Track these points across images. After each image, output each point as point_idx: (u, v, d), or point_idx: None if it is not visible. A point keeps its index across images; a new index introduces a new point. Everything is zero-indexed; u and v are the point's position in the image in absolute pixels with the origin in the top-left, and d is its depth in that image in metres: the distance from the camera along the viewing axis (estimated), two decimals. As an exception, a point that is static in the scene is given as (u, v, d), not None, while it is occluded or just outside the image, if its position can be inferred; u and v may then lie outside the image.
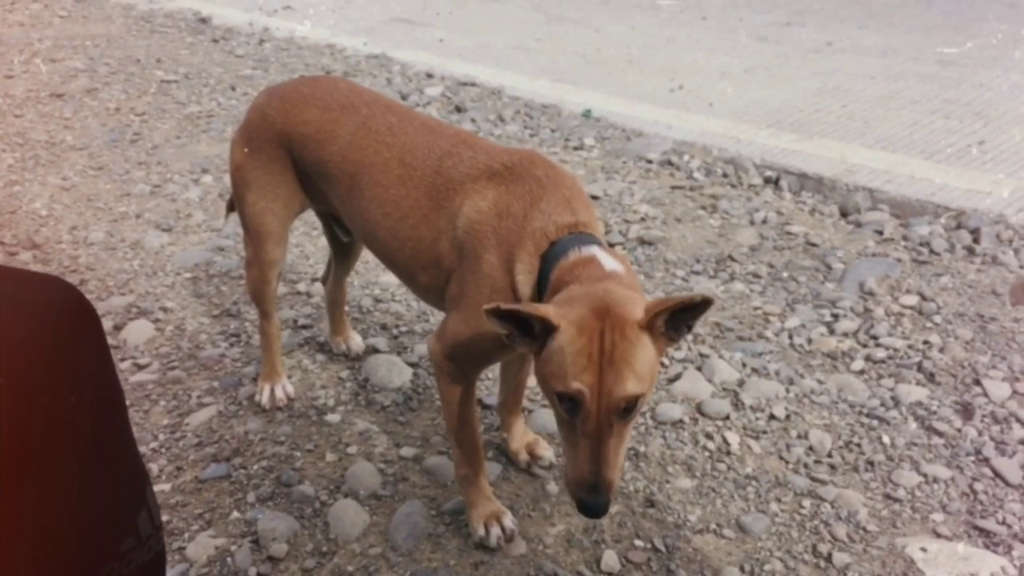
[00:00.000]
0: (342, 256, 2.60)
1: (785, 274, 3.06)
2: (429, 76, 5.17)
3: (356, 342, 2.73)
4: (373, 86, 5.00)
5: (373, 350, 2.73)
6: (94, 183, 3.92)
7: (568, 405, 1.48)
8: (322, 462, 2.29)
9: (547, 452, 2.28)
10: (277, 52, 5.65)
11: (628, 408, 1.48)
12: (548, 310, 1.48)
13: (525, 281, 1.71)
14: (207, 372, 2.64)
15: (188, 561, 2.02)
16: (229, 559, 2.03)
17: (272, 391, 2.50)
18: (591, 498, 1.47)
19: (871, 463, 2.24)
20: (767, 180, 3.82)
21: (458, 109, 4.66)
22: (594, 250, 1.66)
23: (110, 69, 5.38)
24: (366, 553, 2.02)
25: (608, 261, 1.63)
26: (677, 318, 1.50)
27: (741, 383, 2.52)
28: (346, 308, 2.83)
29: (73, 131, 4.48)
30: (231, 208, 2.51)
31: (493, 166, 1.83)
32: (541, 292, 1.69)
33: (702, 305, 1.47)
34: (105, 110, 4.74)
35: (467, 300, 1.79)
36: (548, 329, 1.48)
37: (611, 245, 3.25)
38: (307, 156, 2.12)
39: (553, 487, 2.19)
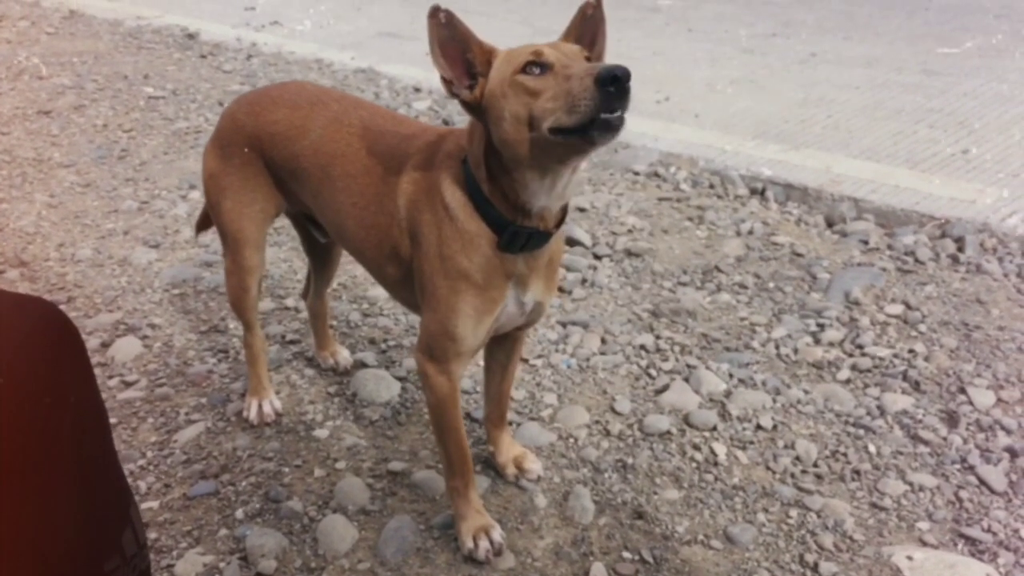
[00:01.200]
0: (320, 266, 2.60)
1: (771, 284, 3.08)
2: (417, 90, 5.19)
3: (343, 356, 2.73)
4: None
5: (361, 364, 2.73)
6: (82, 200, 3.92)
7: (538, 69, 1.54)
8: (310, 478, 2.29)
9: (535, 465, 2.28)
10: (265, 67, 5.67)
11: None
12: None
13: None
14: (195, 388, 2.64)
15: (175, 578, 2.02)
16: (217, 577, 2.02)
17: (260, 407, 2.50)
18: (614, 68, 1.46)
19: (857, 472, 2.25)
20: (753, 191, 3.84)
21: (445, 123, 4.68)
22: None
23: (98, 86, 5.38)
24: (355, 568, 2.02)
25: None
26: None
27: (728, 394, 2.54)
28: (331, 322, 2.83)
29: (60, 148, 4.48)
30: (203, 226, 2.52)
31: (427, 146, 1.86)
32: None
33: None
34: (93, 127, 4.75)
35: (430, 286, 1.80)
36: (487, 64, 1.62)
37: (597, 258, 3.27)
38: (279, 154, 2.14)
39: (542, 500, 2.20)
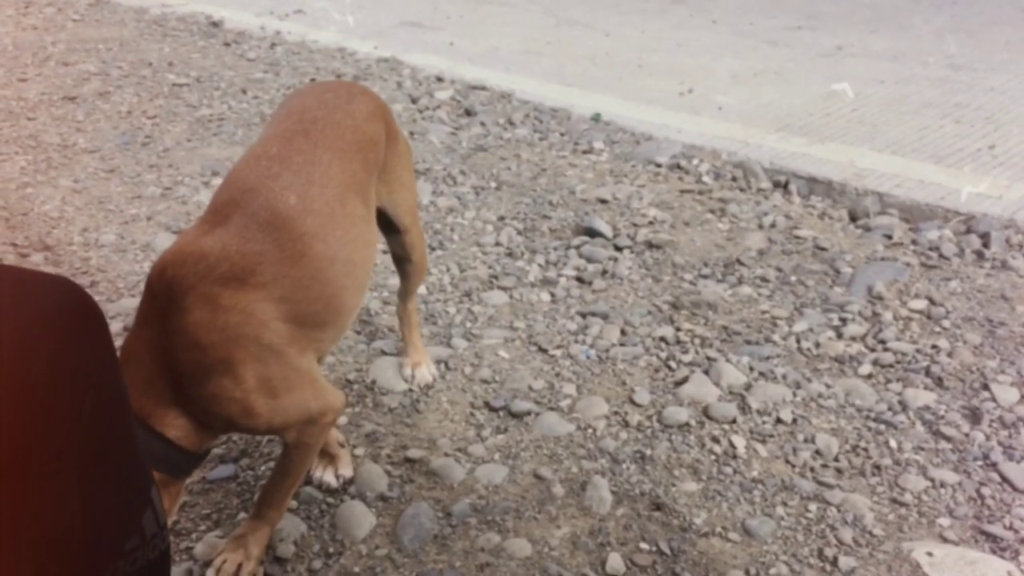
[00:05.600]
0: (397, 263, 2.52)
1: (793, 278, 3.06)
2: (439, 80, 5.19)
3: (423, 372, 2.62)
4: (383, 90, 5.02)
5: (380, 352, 2.74)
6: (105, 185, 3.94)
7: None
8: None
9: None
10: (288, 56, 5.68)
11: None
12: None
13: None
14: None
15: (195, 560, 2.04)
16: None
17: None
18: None
19: (878, 467, 2.23)
20: (776, 184, 3.82)
21: (468, 112, 4.68)
22: None
23: (122, 72, 5.41)
24: (372, 554, 2.03)
25: None
26: None
27: (748, 387, 2.52)
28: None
29: (85, 134, 4.51)
30: None
31: None
32: None
33: None
34: (117, 113, 4.78)
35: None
36: None
37: (618, 249, 3.25)
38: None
39: (559, 489, 2.20)
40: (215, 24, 6.42)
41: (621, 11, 6.44)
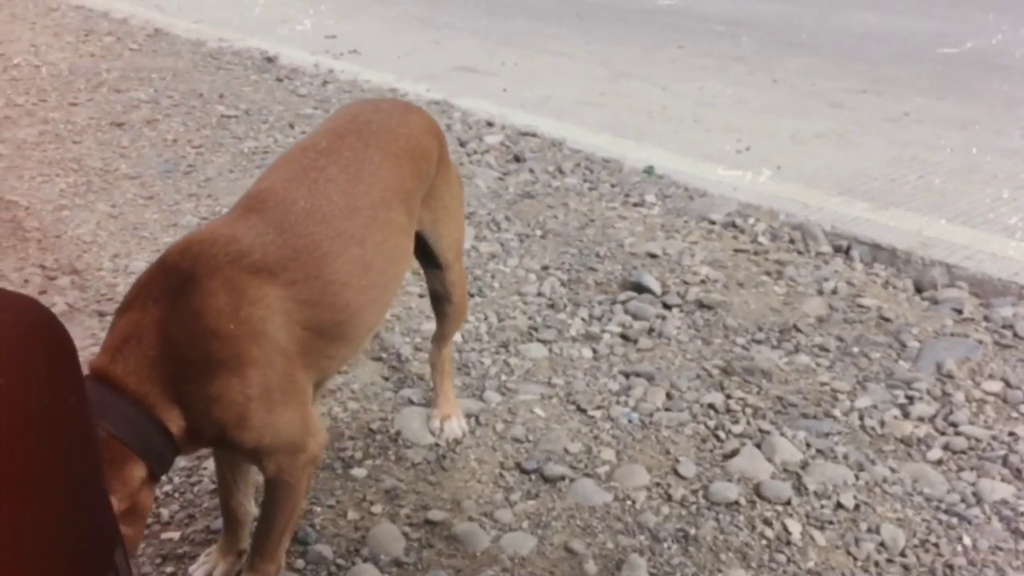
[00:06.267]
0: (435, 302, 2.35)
1: (855, 349, 2.84)
2: (490, 124, 5.08)
3: (452, 426, 2.44)
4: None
5: (408, 401, 2.57)
6: (142, 212, 3.86)
7: None
8: (343, 520, 2.12)
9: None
10: (339, 94, 5.62)
11: None
12: None
13: None
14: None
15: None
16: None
17: None
18: None
19: (950, 567, 1.99)
20: (837, 249, 3.61)
21: (517, 159, 4.55)
22: None
23: (173, 101, 5.38)
24: (381, 627, 1.84)
25: None
26: None
27: (805, 465, 2.30)
28: (381, 355, 2.68)
29: (128, 159, 4.45)
30: None
31: None
32: None
33: None
34: (163, 141, 4.72)
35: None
36: None
37: (667, 307, 3.06)
38: None
39: (592, 567, 1.99)
40: (269, 60, 6.41)
41: (679, 66, 6.31)
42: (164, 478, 2.23)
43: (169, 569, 1.99)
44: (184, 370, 1.53)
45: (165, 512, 2.15)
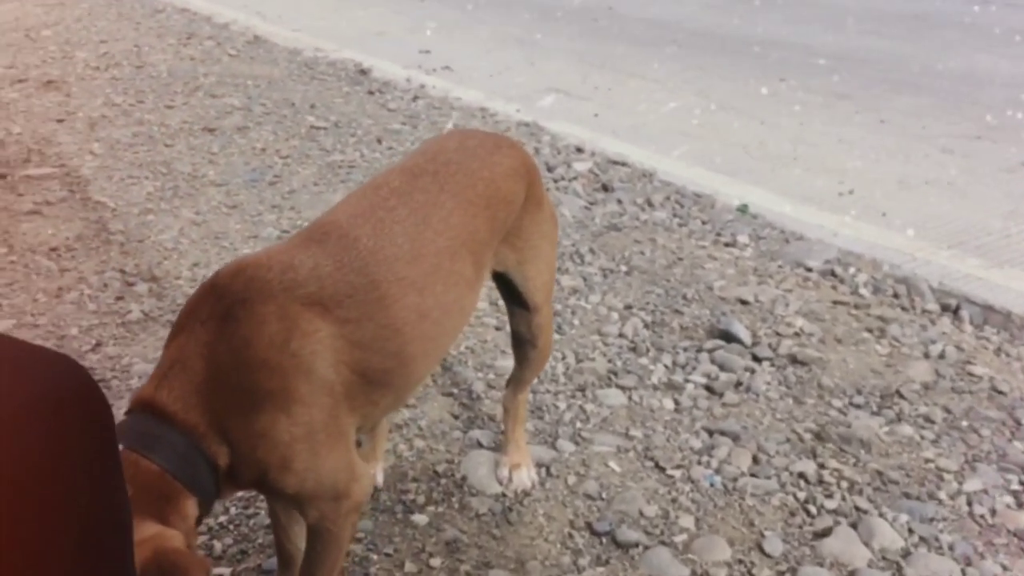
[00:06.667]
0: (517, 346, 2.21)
1: (964, 423, 2.60)
2: (579, 150, 4.94)
3: (521, 477, 2.29)
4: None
5: (477, 444, 2.44)
6: (225, 221, 3.83)
7: None
8: (399, 572, 2.00)
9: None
10: (429, 110, 5.56)
11: None
12: None
13: None
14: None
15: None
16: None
17: None
18: None
19: None
20: (945, 307, 3.36)
21: (605, 188, 4.40)
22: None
23: (265, 110, 5.39)
24: None
25: None
26: None
27: (906, 554, 2.09)
28: (460, 399, 2.56)
29: (217, 166, 4.44)
30: None
31: None
32: None
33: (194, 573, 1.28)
34: (252, 149, 4.71)
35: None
36: None
37: (756, 360, 2.87)
38: None
39: (663, 649, 1.82)
40: (363, 72, 6.40)
41: (780, 100, 6.08)
42: (220, 507, 2.15)
43: (215, 608, 1.90)
44: (230, 399, 1.44)
45: (218, 545, 2.06)
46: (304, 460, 1.49)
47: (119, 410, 2.44)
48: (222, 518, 2.14)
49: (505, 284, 2.05)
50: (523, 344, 2.15)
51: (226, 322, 1.44)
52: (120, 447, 1.36)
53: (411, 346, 1.63)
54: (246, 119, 5.19)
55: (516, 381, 2.24)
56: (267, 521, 2.10)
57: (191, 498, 1.42)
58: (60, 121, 5.00)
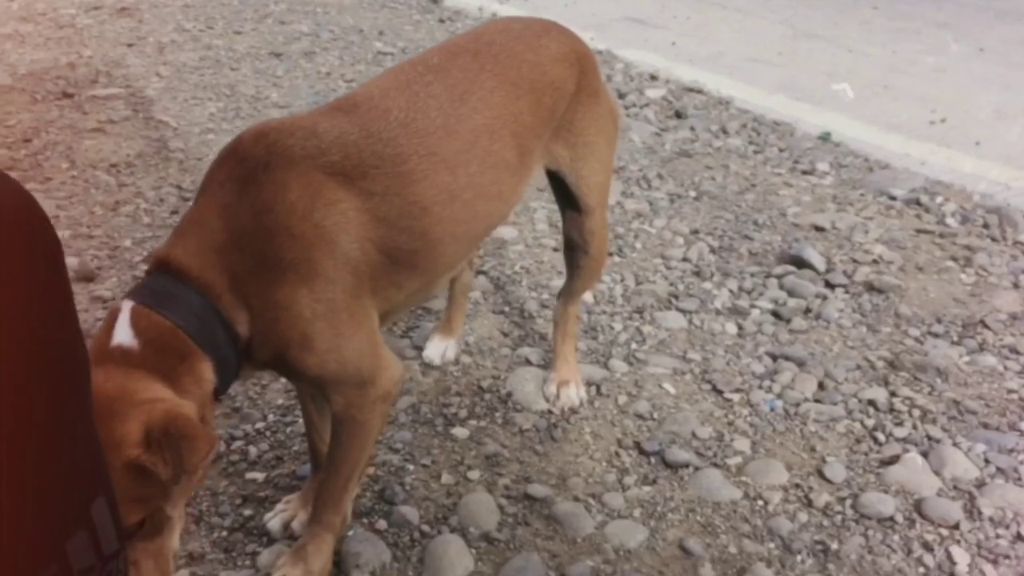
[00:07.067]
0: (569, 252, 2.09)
1: (1055, 355, 2.40)
2: (653, 78, 4.74)
3: (569, 394, 2.18)
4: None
5: (525, 361, 2.34)
6: (285, 141, 3.77)
7: None
8: (436, 483, 1.92)
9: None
10: (500, 38, 5.40)
11: (126, 533, 1.18)
12: None
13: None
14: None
15: (257, 569, 1.71)
16: (300, 578, 1.69)
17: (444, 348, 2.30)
18: None
19: None
20: (1040, 238, 3.11)
21: (678, 115, 4.21)
22: (124, 306, 1.30)
23: (332, 36, 5.31)
24: (459, 608, 1.63)
25: (121, 329, 1.27)
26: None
27: (980, 484, 1.93)
28: (503, 308, 2.46)
29: (280, 89, 4.39)
30: None
31: None
32: None
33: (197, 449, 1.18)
34: (316, 73, 4.64)
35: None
36: None
37: (829, 286, 2.69)
38: None
39: (709, 572, 1.71)
40: (435, 0, 6.26)
41: (871, 28, 5.74)
42: (258, 414, 2.11)
43: (247, 512, 1.85)
44: (250, 264, 1.37)
45: (254, 451, 2.01)
46: (326, 340, 1.43)
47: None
48: (259, 424, 2.09)
49: (558, 184, 1.94)
50: (575, 250, 2.03)
51: (247, 185, 1.38)
52: (131, 304, 1.31)
53: (439, 227, 1.54)
54: (313, 44, 5.13)
55: (567, 292, 2.13)
56: (303, 429, 2.05)
57: (206, 360, 1.36)
58: (130, 45, 5.01)
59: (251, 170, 1.38)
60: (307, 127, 1.45)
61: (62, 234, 2.90)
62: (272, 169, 1.38)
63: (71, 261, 2.71)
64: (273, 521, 1.79)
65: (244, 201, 1.37)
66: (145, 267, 2.72)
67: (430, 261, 1.58)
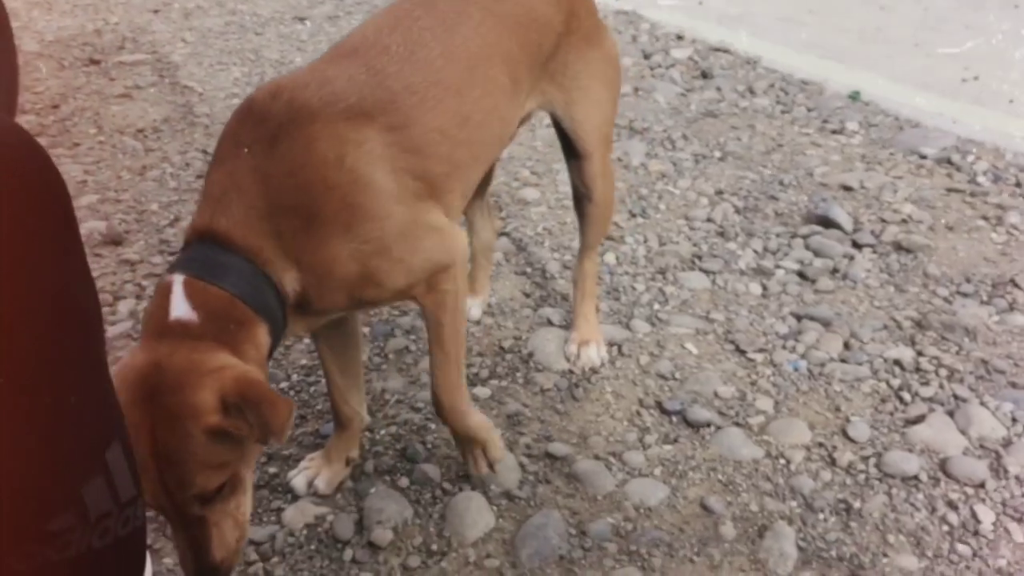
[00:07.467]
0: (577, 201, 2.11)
1: (1087, 314, 2.36)
2: (679, 38, 4.67)
3: (589, 354, 2.19)
4: (617, 42, 4.56)
5: (547, 321, 2.34)
6: (309, 106, 3.77)
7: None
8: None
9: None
10: (524, 0, 5.35)
11: (208, 498, 1.28)
12: None
13: None
14: (361, 317, 2.35)
15: (283, 525, 1.73)
16: (323, 534, 1.71)
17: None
18: None
19: None
20: (1074, 197, 3.05)
21: (704, 75, 4.15)
22: (176, 280, 1.30)
23: (356, 0, 5.29)
24: (480, 563, 1.65)
25: (178, 304, 1.27)
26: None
27: (1007, 443, 1.91)
28: (532, 276, 2.46)
29: (305, 53, 4.38)
30: None
31: None
32: None
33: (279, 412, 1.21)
34: (340, 36, 4.60)
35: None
36: None
37: (856, 246, 2.66)
38: None
39: (730, 530, 1.72)
40: (458, -37, 6.20)
41: (903, -14, 5.62)
42: (282, 374, 2.13)
43: (272, 469, 1.88)
44: (295, 223, 1.38)
45: (278, 409, 2.03)
46: (386, 269, 1.46)
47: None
48: (284, 384, 2.12)
49: (558, 129, 1.96)
50: (581, 199, 2.05)
51: (274, 145, 1.38)
52: (182, 277, 1.32)
53: (460, 151, 1.57)
54: (337, 8, 5.11)
55: (581, 247, 2.14)
56: (326, 389, 2.06)
57: (263, 325, 1.38)
58: (156, 12, 5.02)
59: (275, 129, 1.38)
60: (319, 77, 1.45)
61: (90, 199, 2.93)
62: (296, 124, 1.38)
63: (99, 225, 2.74)
64: (297, 479, 1.81)
65: (274, 161, 1.37)
66: (172, 231, 2.76)
67: (462, 182, 1.62)
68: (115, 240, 2.69)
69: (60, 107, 3.64)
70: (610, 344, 2.23)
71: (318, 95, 1.41)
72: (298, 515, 1.75)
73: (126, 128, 3.49)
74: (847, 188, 3.06)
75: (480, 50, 1.63)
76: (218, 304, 1.32)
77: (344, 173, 1.39)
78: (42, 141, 1.94)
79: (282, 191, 1.37)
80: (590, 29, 1.90)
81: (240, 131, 1.42)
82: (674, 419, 2.00)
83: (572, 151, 1.96)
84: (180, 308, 1.30)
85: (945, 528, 1.72)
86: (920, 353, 2.20)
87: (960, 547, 1.68)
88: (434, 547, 1.68)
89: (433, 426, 1.97)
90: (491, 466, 1.75)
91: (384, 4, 4.72)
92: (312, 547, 1.69)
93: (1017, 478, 1.82)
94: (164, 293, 1.32)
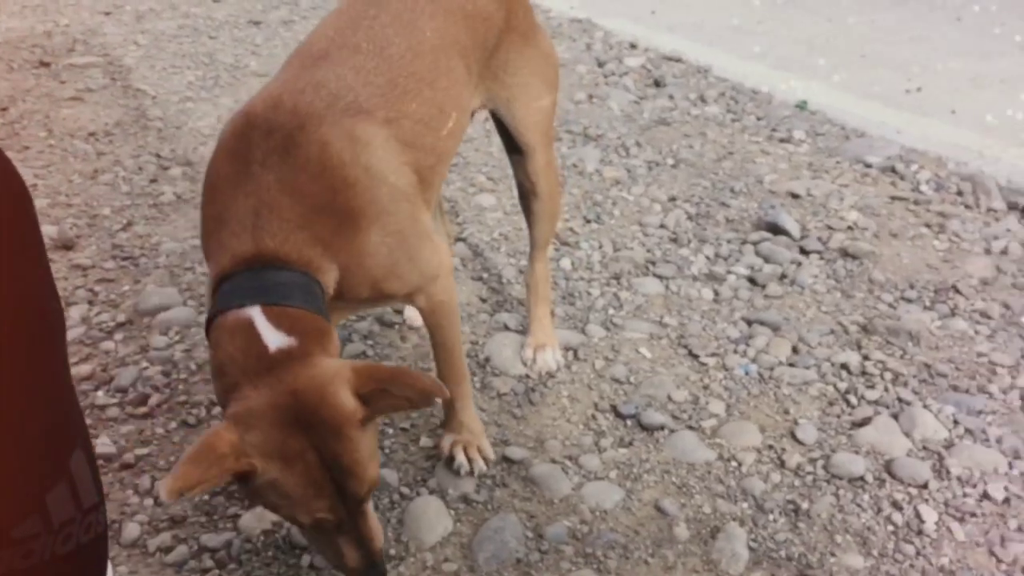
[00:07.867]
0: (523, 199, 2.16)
1: (1023, 319, 2.45)
2: (632, 47, 4.74)
3: (545, 359, 2.23)
4: (570, 50, 4.62)
5: (503, 327, 2.36)
6: (264, 110, 3.76)
7: (319, 527, 1.32)
8: (414, 446, 1.95)
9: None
10: (479, 6, 5.38)
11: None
12: (227, 450, 1.15)
13: None
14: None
15: (239, 532, 1.73)
16: (281, 540, 1.72)
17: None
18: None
19: (1119, 586, 1.65)
20: (1012, 206, 3.15)
21: (656, 83, 4.21)
22: (253, 313, 1.30)
23: (312, 4, 5.28)
24: (438, 567, 1.66)
25: (270, 334, 1.28)
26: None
27: (949, 445, 1.97)
28: (482, 274, 2.48)
29: (259, 58, 4.37)
30: None
31: None
32: None
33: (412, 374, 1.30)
34: (295, 41, 4.61)
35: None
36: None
37: (804, 252, 2.72)
38: None
39: (683, 531, 1.75)
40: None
41: (849, -2, 5.76)
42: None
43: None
44: (330, 226, 1.41)
45: (234, 416, 2.03)
46: (405, 265, 1.52)
47: (145, 287, 2.41)
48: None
49: (499, 126, 2.01)
50: (527, 195, 2.08)
51: (289, 154, 1.38)
52: (258, 308, 1.31)
53: (442, 143, 1.63)
54: (292, 13, 5.10)
55: (532, 247, 2.17)
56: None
57: (332, 327, 1.42)
58: (107, 14, 4.96)
59: (285, 138, 1.38)
60: (311, 81, 1.47)
61: (40, 203, 2.89)
62: (306, 130, 1.39)
63: (50, 230, 2.70)
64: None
65: (294, 169, 1.37)
66: (125, 235, 2.74)
67: (440, 175, 1.69)
68: (66, 245, 2.65)
69: (9, 110, 3.59)
70: (566, 348, 2.26)
71: (319, 98, 1.44)
72: (255, 521, 1.75)
73: (77, 131, 3.45)
74: (795, 196, 3.13)
75: (439, 41, 1.67)
76: (301, 322, 1.33)
77: (360, 170, 1.43)
78: (-8, 145, 1.90)
79: (310, 197, 1.38)
80: (527, 27, 1.95)
81: (243, 148, 1.40)
82: (629, 423, 2.04)
83: (515, 147, 2.00)
84: (275, 338, 1.29)
85: (890, 528, 1.78)
86: (866, 357, 2.27)
87: (904, 546, 1.73)
88: (392, 552, 1.69)
89: (391, 431, 1.99)
90: (485, 460, 1.86)
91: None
92: (269, 554, 1.69)
93: (959, 479, 1.88)
94: (247, 329, 1.30)
